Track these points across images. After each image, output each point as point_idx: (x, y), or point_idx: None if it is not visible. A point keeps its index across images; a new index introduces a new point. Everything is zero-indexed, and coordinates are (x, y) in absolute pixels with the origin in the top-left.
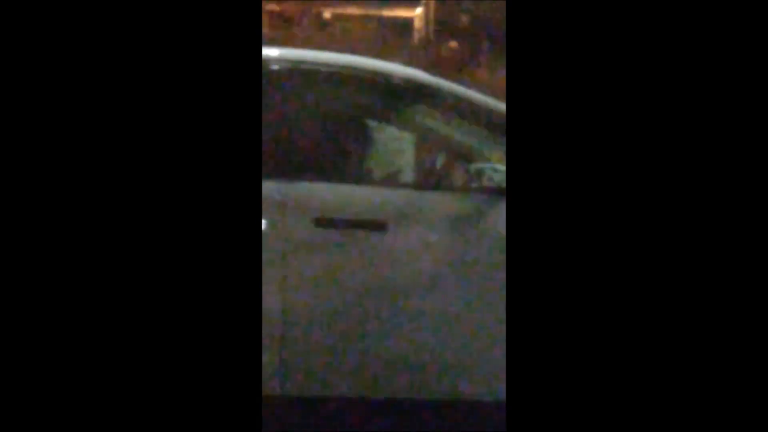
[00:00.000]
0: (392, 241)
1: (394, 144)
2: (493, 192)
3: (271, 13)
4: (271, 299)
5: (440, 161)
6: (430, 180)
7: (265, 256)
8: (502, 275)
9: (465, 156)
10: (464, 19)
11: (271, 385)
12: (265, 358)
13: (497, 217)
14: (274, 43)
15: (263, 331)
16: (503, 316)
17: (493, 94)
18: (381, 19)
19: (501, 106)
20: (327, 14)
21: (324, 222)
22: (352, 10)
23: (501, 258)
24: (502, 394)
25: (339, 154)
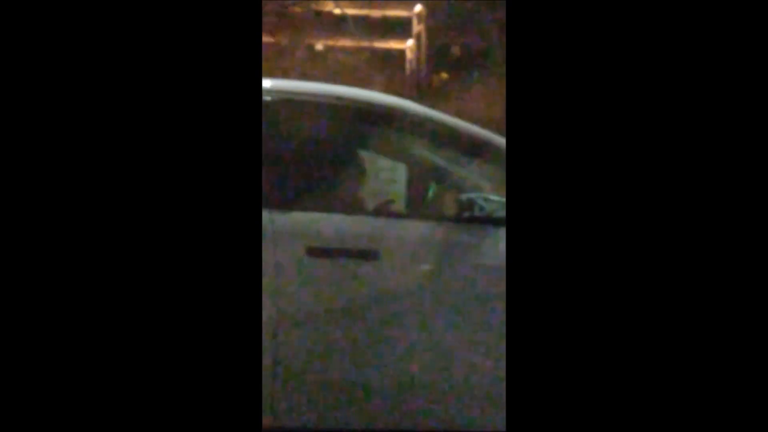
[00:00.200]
0: (383, 271)
1: (386, 174)
2: (484, 222)
3: (264, 44)
4: (263, 328)
5: (431, 191)
6: (421, 210)
7: None
8: (493, 305)
9: (456, 186)
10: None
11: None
12: None
13: (488, 247)
14: (266, 74)
15: None
16: (494, 345)
17: (485, 125)
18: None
19: (490, 136)
20: (319, 46)
21: (316, 251)
22: (344, 42)
23: (492, 288)
24: (494, 423)
25: (331, 184)
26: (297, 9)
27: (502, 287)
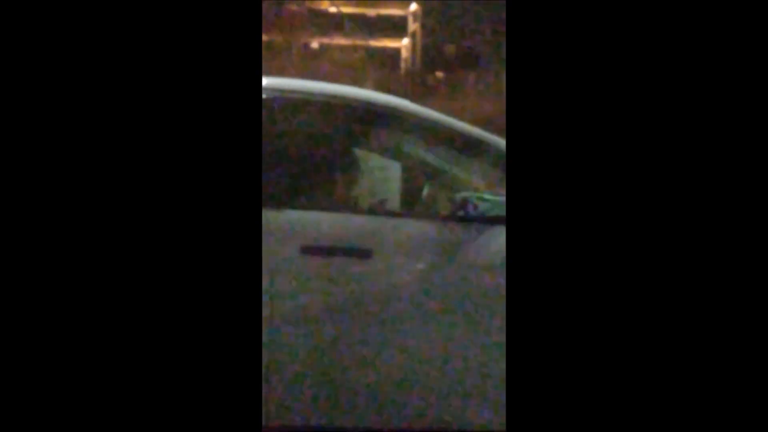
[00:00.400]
0: (377, 269)
1: (380, 172)
2: (479, 220)
3: None
4: None
5: (426, 190)
6: (415, 208)
7: None
8: (487, 303)
9: (450, 185)
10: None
11: None
12: None
13: (482, 246)
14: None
15: None
16: (489, 343)
17: (479, 123)
18: (368, 49)
19: (485, 134)
20: (315, 44)
21: (310, 250)
22: (340, 40)
23: (486, 286)
24: (492, 423)
25: (325, 183)
26: (293, 7)
27: (497, 286)
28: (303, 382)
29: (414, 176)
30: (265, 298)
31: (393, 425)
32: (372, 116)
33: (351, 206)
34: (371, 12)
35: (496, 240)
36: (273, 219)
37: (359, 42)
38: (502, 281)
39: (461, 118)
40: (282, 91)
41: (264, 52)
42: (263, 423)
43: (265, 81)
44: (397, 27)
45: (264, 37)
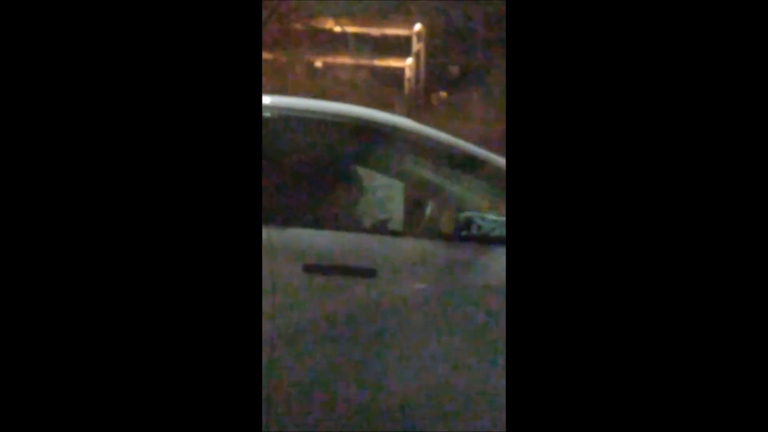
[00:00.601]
0: (381, 288)
1: (384, 191)
2: (482, 240)
3: (263, 61)
4: None
5: (429, 209)
6: (418, 228)
7: None
8: (490, 323)
9: (454, 204)
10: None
11: None
12: None
13: (485, 266)
14: (265, 90)
15: None
16: (491, 363)
17: (483, 143)
18: (372, 69)
19: (488, 154)
20: (318, 63)
21: (313, 268)
22: (344, 60)
23: (489, 306)
24: None
25: (328, 201)
26: (297, 26)
27: (500, 306)
28: (305, 400)
29: (417, 195)
30: (267, 317)
31: None
32: (375, 135)
33: (354, 225)
34: (375, 31)
35: (500, 260)
36: (276, 237)
37: (363, 61)
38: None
39: (465, 138)
40: (285, 109)
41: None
42: None
43: (269, 99)
44: (401, 47)
45: (268, 56)
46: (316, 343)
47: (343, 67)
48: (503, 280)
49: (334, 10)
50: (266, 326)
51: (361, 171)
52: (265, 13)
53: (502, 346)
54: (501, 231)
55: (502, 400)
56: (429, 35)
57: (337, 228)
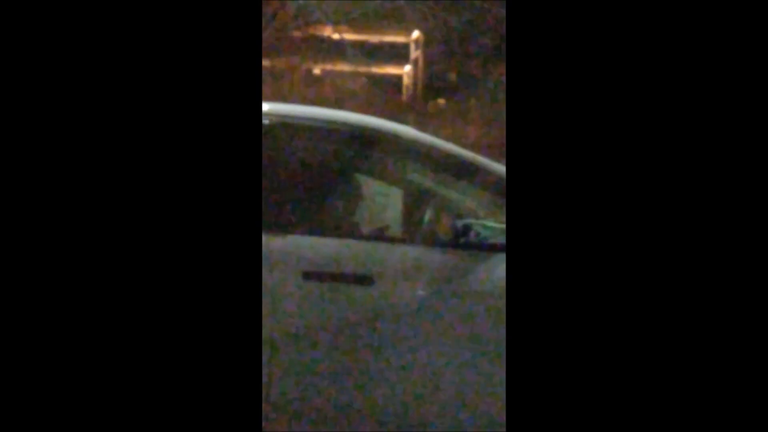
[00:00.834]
0: (379, 295)
1: (382, 199)
2: (480, 247)
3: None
4: None
5: (427, 216)
6: (417, 235)
7: None
8: (488, 330)
9: (452, 211)
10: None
11: None
12: None
13: (484, 273)
14: (264, 98)
15: None
16: (489, 371)
17: (481, 150)
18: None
19: (486, 161)
20: (317, 70)
21: (312, 275)
22: (342, 67)
23: (487, 313)
24: None
25: (327, 209)
26: (295, 33)
27: (499, 312)
28: (304, 406)
29: (415, 202)
30: (266, 324)
31: None
32: (373, 142)
33: (353, 232)
34: (374, 39)
35: (498, 267)
36: (275, 244)
37: (361, 68)
38: (503, 308)
39: (463, 145)
40: (284, 116)
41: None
42: None
43: (268, 107)
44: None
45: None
46: (314, 350)
47: (341, 74)
48: (501, 287)
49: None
50: (265, 333)
51: (360, 178)
52: (263, 21)
53: (500, 352)
54: (499, 238)
55: (501, 406)
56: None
57: (336, 235)
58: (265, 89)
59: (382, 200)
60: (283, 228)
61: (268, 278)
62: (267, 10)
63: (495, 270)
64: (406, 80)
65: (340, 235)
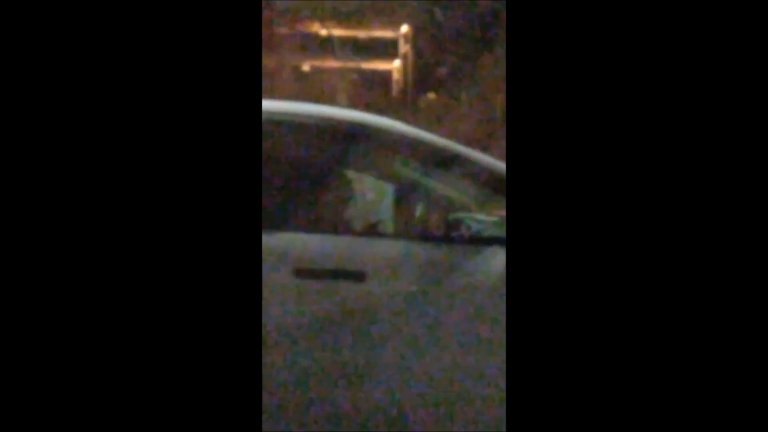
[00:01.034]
0: (371, 291)
1: (373, 194)
2: (472, 241)
3: None
4: None
5: (419, 211)
6: (409, 230)
7: None
8: (481, 325)
9: (443, 206)
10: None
11: None
12: None
13: (476, 267)
14: None
15: None
16: (483, 366)
17: (472, 143)
18: (359, 72)
19: (480, 156)
20: (306, 67)
21: (304, 272)
22: (331, 63)
23: (480, 308)
24: None
25: (318, 205)
26: (283, 30)
27: (492, 307)
28: (297, 405)
29: (407, 197)
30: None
31: None
32: (364, 138)
33: (344, 228)
34: (362, 34)
35: (490, 261)
36: (266, 241)
37: (350, 64)
38: (497, 302)
39: (454, 138)
40: (273, 113)
41: None
42: None
43: None
44: (388, 49)
45: None
46: (307, 347)
47: (330, 70)
48: (494, 281)
49: (320, 13)
50: None
51: (351, 174)
52: None
53: (495, 346)
54: (491, 231)
55: (497, 401)
56: (416, 37)
57: (328, 231)
58: None
59: (373, 196)
60: (274, 225)
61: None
62: None
63: (488, 264)
64: (395, 75)
65: (331, 232)
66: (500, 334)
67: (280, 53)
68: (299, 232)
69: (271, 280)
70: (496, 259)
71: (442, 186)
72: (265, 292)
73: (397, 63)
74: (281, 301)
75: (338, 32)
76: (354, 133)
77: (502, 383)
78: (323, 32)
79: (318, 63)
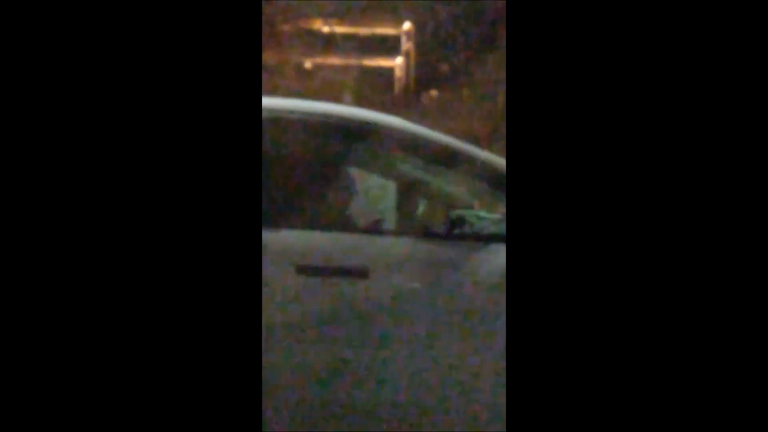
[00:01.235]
0: (374, 288)
1: (376, 191)
2: (475, 238)
3: None
4: None
5: (421, 208)
6: (411, 227)
7: None
8: (484, 322)
9: (446, 203)
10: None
11: None
12: None
13: (478, 264)
14: None
15: None
16: (485, 362)
17: (474, 142)
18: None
19: (482, 154)
20: (308, 64)
21: (306, 269)
22: (333, 60)
23: (482, 305)
24: None
25: (320, 202)
26: (285, 27)
27: (494, 304)
28: (299, 402)
29: (409, 195)
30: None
31: None
32: (366, 135)
33: (347, 225)
34: (364, 31)
35: (493, 258)
36: (268, 239)
37: (352, 61)
38: (499, 299)
39: (456, 136)
40: (276, 111)
41: None
42: None
43: None
44: (390, 46)
45: None
46: (309, 345)
47: (332, 67)
48: (496, 278)
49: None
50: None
51: (353, 171)
52: None
53: (497, 344)
54: (493, 228)
55: (498, 398)
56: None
57: (330, 229)
58: None
59: (375, 193)
60: (276, 222)
61: (262, 273)
62: None
63: (489, 261)
64: (398, 72)
65: (333, 229)
66: (502, 331)
67: (282, 50)
68: (301, 229)
69: (274, 278)
70: (499, 257)
71: (445, 183)
72: (268, 290)
73: (399, 60)
74: (284, 298)
75: (341, 29)
76: (357, 131)
77: (504, 381)
78: (325, 29)
79: (320, 60)
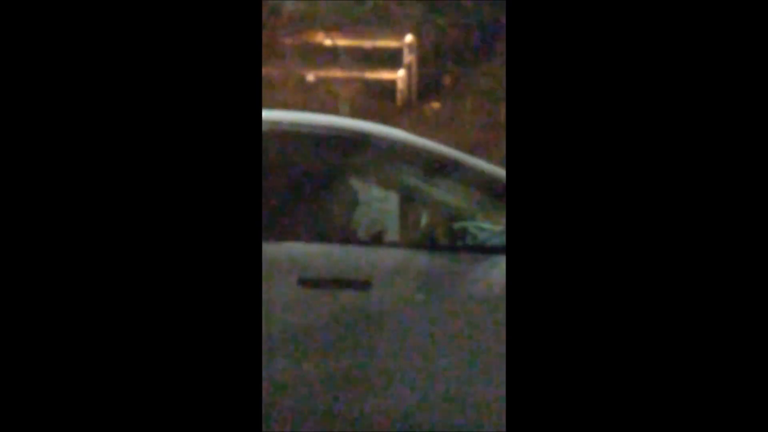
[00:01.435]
0: (376, 300)
1: (378, 203)
2: (477, 250)
3: None
4: None
5: (424, 220)
6: (414, 239)
7: None
8: (486, 334)
9: (448, 214)
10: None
11: None
12: None
13: (481, 276)
14: None
15: None
16: (488, 374)
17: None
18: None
19: (484, 164)
20: (310, 77)
21: (309, 282)
22: (336, 73)
23: (485, 316)
24: None
25: (323, 215)
26: (287, 40)
27: (496, 316)
28: (302, 413)
29: (412, 207)
30: (262, 331)
31: None
32: (368, 147)
33: (349, 237)
34: (367, 44)
35: (495, 269)
36: (271, 251)
37: (355, 74)
38: (501, 310)
39: (458, 147)
40: (278, 123)
41: None
42: None
43: (262, 114)
44: (392, 59)
45: None
46: (312, 356)
47: (334, 80)
48: (499, 290)
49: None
50: (262, 341)
51: (356, 183)
52: None
53: (498, 355)
54: (496, 240)
55: (499, 410)
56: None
57: (332, 241)
58: None
59: (378, 205)
60: (279, 235)
61: (263, 285)
62: None
63: (492, 272)
64: (400, 85)
65: (336, 241)
66: (504, 342)
67: (284, 63)
68: (303, 242)
69: (276, 290)
70: (501, 268)
71: (447, 194)
72: (271, 302)
73: (401, 73)
74: (286, 310)
75: (342, 42)
76: (359, 143)
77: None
78: (328, 42)
79: (322, 73)
